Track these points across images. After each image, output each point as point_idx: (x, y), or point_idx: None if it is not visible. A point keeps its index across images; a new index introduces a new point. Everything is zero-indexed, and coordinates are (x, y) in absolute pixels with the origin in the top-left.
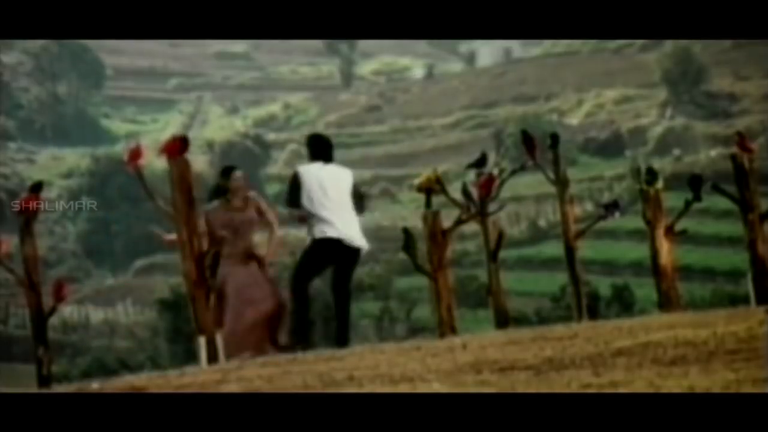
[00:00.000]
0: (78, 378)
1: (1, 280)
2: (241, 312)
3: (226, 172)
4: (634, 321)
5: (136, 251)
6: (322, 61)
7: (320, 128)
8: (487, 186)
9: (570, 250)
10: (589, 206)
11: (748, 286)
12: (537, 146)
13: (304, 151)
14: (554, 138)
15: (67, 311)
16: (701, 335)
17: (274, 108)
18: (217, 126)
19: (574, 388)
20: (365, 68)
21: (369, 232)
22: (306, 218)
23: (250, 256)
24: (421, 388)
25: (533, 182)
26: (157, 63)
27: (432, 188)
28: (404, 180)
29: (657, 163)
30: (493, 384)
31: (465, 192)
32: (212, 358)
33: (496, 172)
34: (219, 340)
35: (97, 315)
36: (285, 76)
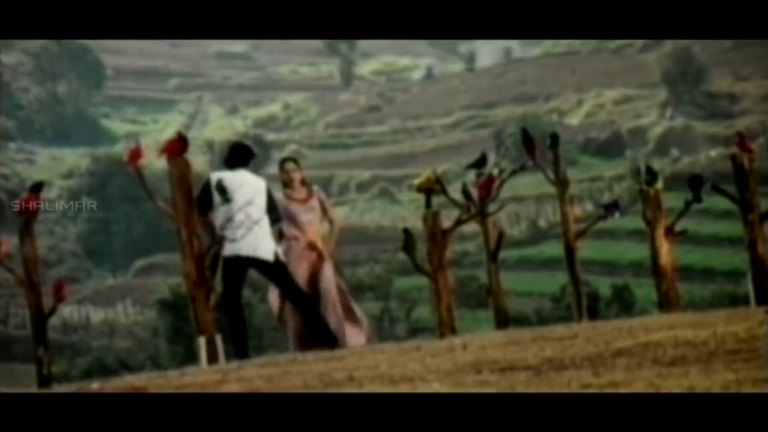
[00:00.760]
0: (78, 378)
1: (1, 280)
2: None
3: (280, 164)
4: (634, 321)
5: (136, 251)
6: (322, 61)
7: (320, 128)
8: (487, 186)
9: (570, 251)
10: (589, 206)
11: (748, 287)
12: (537, 146)
13: (304, 151)
14: (554, 138)
15: (67, 311)
16: (701, 335)
17: (274, 108)
18: (217, 126)
19: (574, 388)
20: (365, 68)
21: (369, 232)
22: (211, 229)
23: (312, 248)
24: (421, 388)
25: (533, 182)
26: (157, 63)
27: (432, 188)
28: (404, 180)
29: (657, 164)
30: (493, 384)
31: (465, 192)
32: (212, 358)
33: (496, 172)
34: (219, 340)
35: (97, 315)
36: (285, 76)
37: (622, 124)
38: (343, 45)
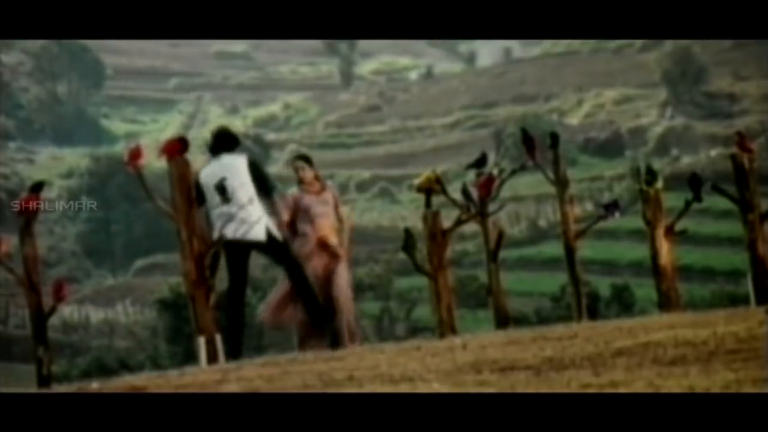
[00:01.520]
0: (78, 378)
1: (1, 280)
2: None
3: (292, 161)
4: (634, 321)
5: (136, 251)
6: (322, 61)
7: (320, 128)
8: (487, 186)
9: (570, 250)
10: (589, 206)
11: (748, 286)
12: (537, 146)
13: (303, 151)
14: (554, 138)
15: (67, 311)
16: (701, 335)
17: (274, 108)
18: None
19: (574, 388)
20: (365, 68)
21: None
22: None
23: (324, 246)
24: (421, 388)
25: (533, 182)
26: (157, 63)
27: (432, 188)
28: (404, 180)
29: (657, 163)
30: (493, 384)
31: (465, 192)
32: (212, 357)
33: (496, 172)
34: (218, 340)
35: (97, 315)
36: (285, 75)
37: (622, 124)
38: (343, 45)
